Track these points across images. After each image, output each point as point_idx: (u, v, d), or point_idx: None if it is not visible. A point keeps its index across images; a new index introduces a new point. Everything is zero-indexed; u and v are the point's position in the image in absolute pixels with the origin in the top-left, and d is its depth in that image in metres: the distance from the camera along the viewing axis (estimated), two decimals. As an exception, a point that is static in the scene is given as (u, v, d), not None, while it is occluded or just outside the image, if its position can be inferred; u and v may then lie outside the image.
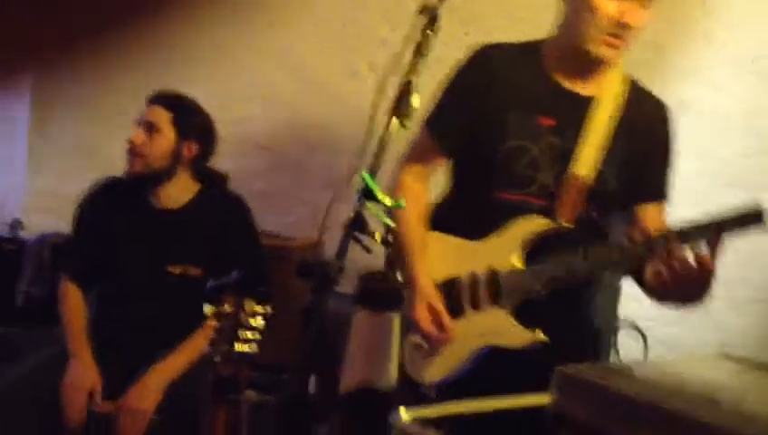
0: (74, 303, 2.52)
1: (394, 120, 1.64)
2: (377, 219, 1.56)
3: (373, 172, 1.59)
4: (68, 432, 2.33)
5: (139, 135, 2.49)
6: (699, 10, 2.82)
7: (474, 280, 1.83)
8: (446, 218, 1.87)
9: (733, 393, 0.76)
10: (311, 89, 3.29)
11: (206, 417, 1.51)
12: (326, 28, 3.26)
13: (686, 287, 1.65)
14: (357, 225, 1.55)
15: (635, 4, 1.75)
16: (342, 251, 1.54)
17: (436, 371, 1.79)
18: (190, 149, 2.54)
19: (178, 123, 2.52)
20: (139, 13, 3.43)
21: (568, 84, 1.86)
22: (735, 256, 2.82)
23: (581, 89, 1.86)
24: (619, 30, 1.76)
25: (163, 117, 2.51)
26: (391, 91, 1.68)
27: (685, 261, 1.63)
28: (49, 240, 3.06)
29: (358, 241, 1.57)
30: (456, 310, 1.82)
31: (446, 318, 1.78)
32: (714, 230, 1.64)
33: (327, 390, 1.29)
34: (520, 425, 0.83)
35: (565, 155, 1.82)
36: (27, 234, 3.22)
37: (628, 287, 2.88)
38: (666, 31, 2.86)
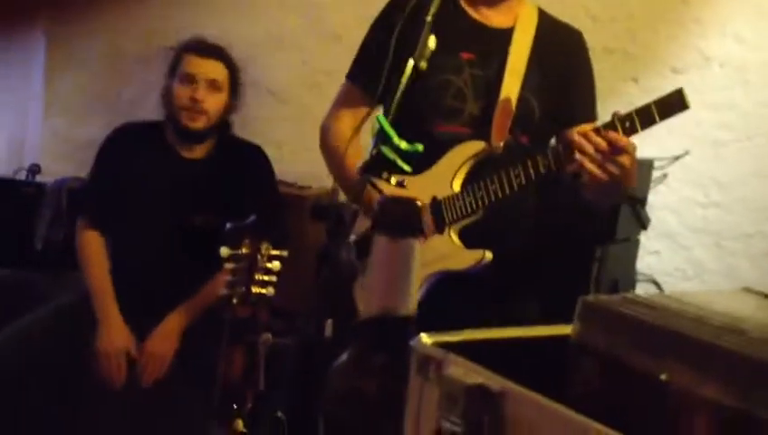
0: (95, 250, 2.50)
1: (410, 61, 1.62)
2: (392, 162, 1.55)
3: (388, 115, 1.57)
4: (85, 376, 2.37)
5: (203, 91, 2.46)
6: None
7: None
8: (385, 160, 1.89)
9: (757, 323, 0.75)
10: (325, 37, 3.25)
11: (223, 359, 1.53)
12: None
13: (615, 168, 1.64)
14: (372, 168, 1.54)
15: None
16: (358, 194, 1.54)
17: None
18: (232, 106, 2.55)
19: (233, 80, 2.52)
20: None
21: (483, 19, 1.93)
22: (753, 211, 2.82)
23: (497, 21, 1.93)
24: None
25: (224, 73, 2.50)
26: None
27: (599, 143, 1.63)
28: (66, 184, 3.07)
29: (372, 184, 1.57)
30: None
31: None
32: (629, 120, 1.62)
33: (342, 333, 1.30)
34: (541, 353, 0.84)
35: (489, 85, 1.87)
36: (45, 178, 3.23)
37: (646, 241, 2.89)
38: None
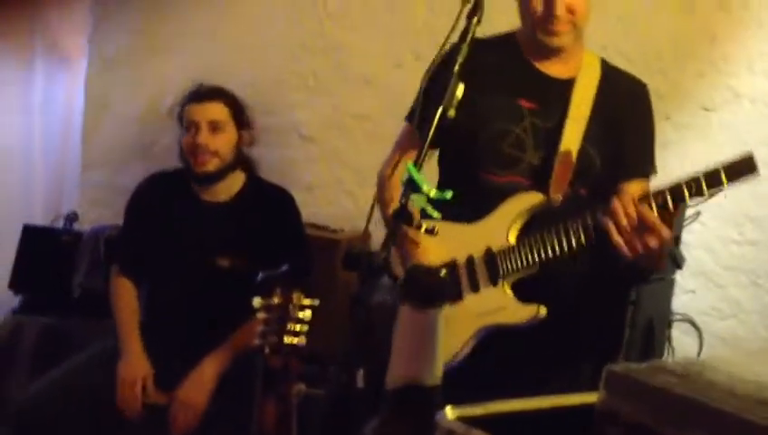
0: (125, 295, 2.56)
1: (440, 110, 1.63)
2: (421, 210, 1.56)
3: (418, 164, 1.58)
4: (123, 423, 2.39)
5: (204, 135, 2.50)
6: None
7: (470, 262, 1.84)
8: (436, 205, 1.89)
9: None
10: (355, 79, 3.29)
11: (257, 408, 1.53)
12: (370, 19, 3.25)
13: (641, 246, 1.63)
14: (402, 216, 1.55)
15: None
16: (388, 242, 1.54)
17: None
18: (245, 139, 2.59)
19: (236, 115, 2.56)
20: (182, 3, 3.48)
21: (545, 68, 1.92)
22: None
23: (558, 72, 1.92)
24: (554, 20, 1.83)
25: (223, 112, 2.54)
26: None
27: (631, 215, 1.63)
28: (103, 233, 3.12)
29: (403, 233, 1.57)
30: (455, 294, 1.83)
31: None
32: (695, 183, 1.61)
33: (375, 383, 1.30)
34: (567, 422, 0.83)
35: (548, 135, 1.86)
36: (83, 226, 3.29)
37: (682, 279, 2.85)
38: (720, 20, 2.81)
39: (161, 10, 3.46)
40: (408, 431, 0.79)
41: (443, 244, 1.85)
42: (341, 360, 1.49)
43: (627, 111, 1.92)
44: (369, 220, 1.75)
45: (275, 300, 1.54)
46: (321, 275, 2.59)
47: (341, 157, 3.34)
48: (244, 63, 3.34)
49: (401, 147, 2.02)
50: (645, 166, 1.93)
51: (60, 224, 3.32)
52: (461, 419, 0.73)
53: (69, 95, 3.65)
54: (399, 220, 1.55)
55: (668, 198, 1.65)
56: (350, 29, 3.28)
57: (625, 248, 1.64)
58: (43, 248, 3.15)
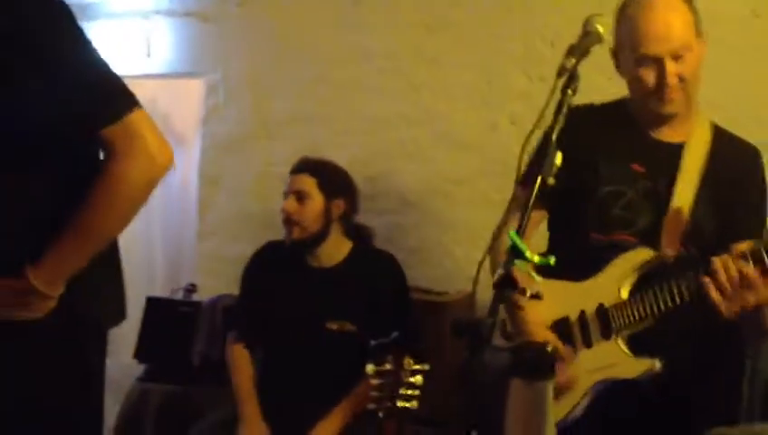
0: (242, 363, 2.67)
1: (539, 178, 1.69)
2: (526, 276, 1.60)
3: (520, 231, 1.63)
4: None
5: (291, 204, 2.66)
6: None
7: (582, 318, 1.86)
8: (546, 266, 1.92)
9: None
10: (453, 145, 3.38)
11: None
12: (467, 89, 3.35)
13: (739, 304, 1.63)
14: (507, 283, 1.60)
15: (669, 61, 1.85)
16: (494, 309, 1.59)
17: (554, 412, 1.82)
18: (338, 207, 2.70)
19: (323, 185, 2.69)
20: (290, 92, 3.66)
21: (656, 133, 1.95)
22: None
23: (669, 136, 1.95)
24: (666, 89, 1.86)
25: (309, 183, 2.68)
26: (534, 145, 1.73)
27: (734, 277, 1.63)
28: (221, 302, 3.26)
29: (509, 299, 1.62)
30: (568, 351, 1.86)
31: (562, 349, 1.85)
32: None
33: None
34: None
35: (660, 198, 1.89)
36: (201, 296, 3.45)
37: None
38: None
39: (271, 98, 3.66)
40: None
41: (554, 302, 1.89)
42: (455, 422, 1.54)
43: (738, 174, 1.94)
44: (476, 283, 1.82)
45: (387, 366, 1.61)
46: (429, 337, 2.64)
47: (442, 220, 3.41)
48: (349, 138, 3.49)
49: (509, 211, 2.07)
50: (756, 228, 1.92)
51: (179, 295, 3.48)
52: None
53: (184, 172, 3.87)
54: (504, 288, 1.60)
55: (765, 254, 1.65)
56: (446, 100, 3.39)
57: (722, 307, 1.63)
58: (165, 319, 3.29)
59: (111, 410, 3.12)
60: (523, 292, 1.64)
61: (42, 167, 1.62)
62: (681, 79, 1.87)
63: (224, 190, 3.74)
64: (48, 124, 1.57)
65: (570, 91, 1.70)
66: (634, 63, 1.90)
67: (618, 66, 1.98)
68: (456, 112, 3.37)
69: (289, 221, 2.66)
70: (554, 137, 1.70)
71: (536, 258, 1.59)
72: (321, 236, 2.67)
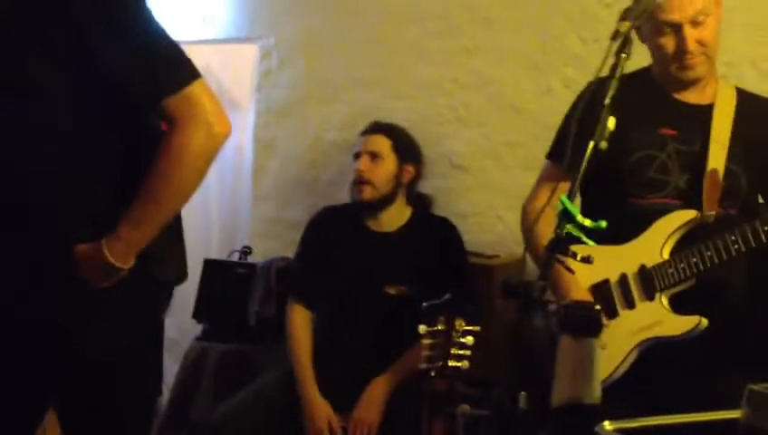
0: (300, 331, 2.68)
1: (591, 143, 1.69)
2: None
3: (571, 195, 1.64)
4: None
5: (366, 163, 2.67)
6: None
7: (624, 280, 1.87)
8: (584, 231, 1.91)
9: None
10: (504, 108, 3.37)
11: (424, 429, 1.64)
12: (521, 53, 3.33)
13: None
14: (557, 246, 1.61)
15: (688, 28, 1.87)
16: (545, 272, 1.61)
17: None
18: (409, 172, 2.73)
19: (398, 149, 2.72)
20: (343, 57, 3.68)
21: (682, 97, 1.97)
22: None
23: (696, 99, 1.97)
24: (686, 55, 1.89)
25: (384, 144, 2.71)
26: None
27: None
28: (275, 264, 3.32)
29: (560, 262, 1.64)
30: (609, 312, 1.88)
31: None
32: None
33: (537, 405, 1.38)
34: None
35: (693, 158, 1.91)
36: (255, 259, 3.52)
37: None
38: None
39: (324, 62, 3.69)
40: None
41: (595, 266, 1.90)
42: (504, 383, 1.57)
43: (766, 131, 1.96)
44: (526, 247, 1.83)
45: (439, 327, 1.65)
46: (480, 300, 2.67)
47: (493, 184, 3.42)
48: (400, 103, 3.50)
49: (544, 182, 2.09)
50: None
51: (235, 257, 3.56)
52: (618, 431, 0.81)
53: (239, 138, 3.93)
54: (555, 250, 1.62)
55: None
56: (499, 64, 3.37)
57: None
58: (222, 280, 3.36)
59: (171, 368, 3.24)
60: (574, 255, 1.66)
61: (108, 135, 1.67)
62: (702, 44, 1.89)
63: (278, 155, 3.80)
64: (114, 93, 1.62)
65: (624, 55, 1.70)
66: (655, 31, 1.92)
67: (639, 36, 1.98)
68: (509, 76, 3.35)
69: (362, 180, 2.67)
70: (608, 101, 1.70)
71: (587, 222, 1.61)
72: (388, 200, 2.70)
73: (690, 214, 1.88)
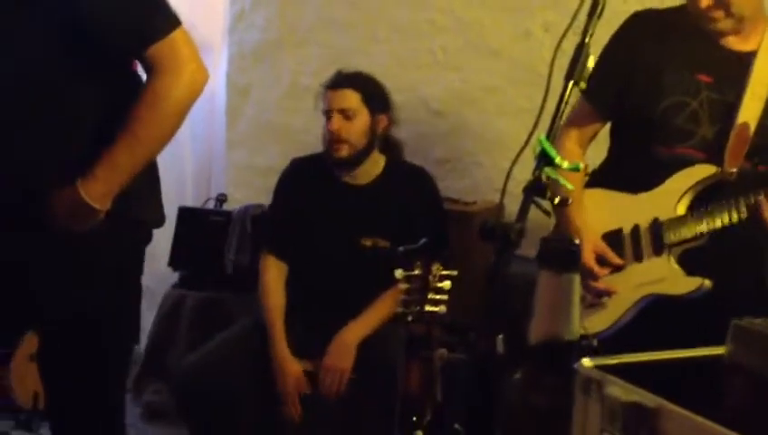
0: (273, 284, 2.64)
1: (570, 83, 1.66)
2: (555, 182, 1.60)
3: (550, 136, 1.62)
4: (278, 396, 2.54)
5: (338, 122, 2.58)
6: None
7: (636, 231, 1.85)
8: (608, 176, 1.88)
9: None
10: (483, 52, 3.32)
11: (401, 373, 1.63)
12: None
13: None
14: (536, 189, 1.59)
15: None
16: (522, 214, 1.59)
17: (598, 321, 1.85)
18: (382, 122, 2.67)
19: (368, 101, 2.64)
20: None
21: (724, 41, 1.87)
22: None
23: (739, 45, 1.86)
24: (711, 7, 1.80)
25: (354, 99, 2.62)
26: (567, 52, 1.70)
27: None
28: (250, 212, 3.30)
29: (537, 205, 1.62)
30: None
31: (612, 256, 1.85)
32: None
33: (513, 349, 1.37)
34: (696, 372, 0.89)
35: (725, 109, 1.82)
36: (231, 206, 3.49)
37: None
38: None
39: (298, 4, 3.60)
40: (549, 381, 0.87)
41: (610, 213, 1.88)
42: (481, 327, 1.57)
43: None
44: (503, 192, 1.81)
45: (416, 272, 1.64)
46: (457, 246, 2.66)
47: (471, 130, 3.39)
48: (376, 47, 3.43)
49: (571, 121, 2.04)
50: None
51: (210, 205, 3.53)
52: (597, 367, 0.80)
53: (211, 82, 3.85)
54: (531, 193, 1.60)
55: None
56: (478, 6, 3.31)
57: None
58: (197, 228, 3.35)
59: (147, 317, 3.22)
60: (552, 198, 1.64)
61: (91, 83, 1.68)
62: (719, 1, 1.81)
63: (252, 100, 3.73)
64: (99, 40, 1.63)
65: None
66: None
67: None
68: (487, 18, 3.30)
69: (338, 140, 2.59)
70: (587, 40, 1.67)
71: (565, 164, 1.58)
72: (365, 154, 2.64)
73: (709, 169, 1.81)
